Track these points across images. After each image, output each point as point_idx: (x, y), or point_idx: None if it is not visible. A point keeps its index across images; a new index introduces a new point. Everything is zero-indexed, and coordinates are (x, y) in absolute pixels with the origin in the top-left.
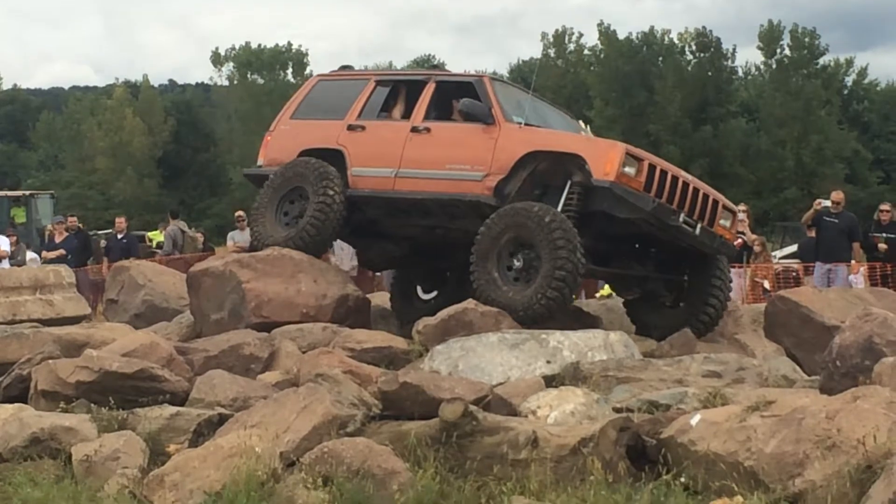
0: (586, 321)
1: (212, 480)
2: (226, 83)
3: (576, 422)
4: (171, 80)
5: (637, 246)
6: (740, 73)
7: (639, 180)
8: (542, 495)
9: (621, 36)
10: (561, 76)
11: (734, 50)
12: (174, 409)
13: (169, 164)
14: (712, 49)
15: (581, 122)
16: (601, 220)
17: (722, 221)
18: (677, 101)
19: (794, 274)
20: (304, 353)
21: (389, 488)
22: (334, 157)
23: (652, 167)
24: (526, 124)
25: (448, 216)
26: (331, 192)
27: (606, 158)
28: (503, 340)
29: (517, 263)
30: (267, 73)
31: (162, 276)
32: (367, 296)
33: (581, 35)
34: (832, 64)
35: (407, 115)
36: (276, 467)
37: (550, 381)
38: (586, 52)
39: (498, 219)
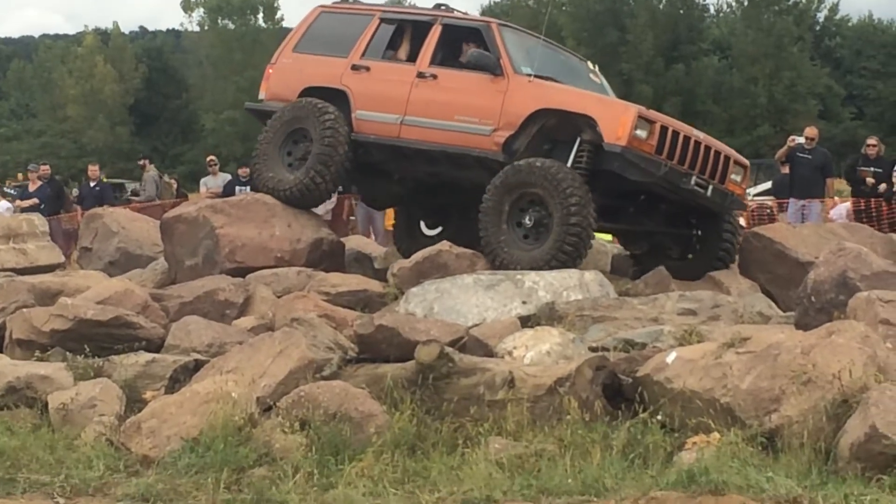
0: None
1: (189, 426)
2: (196, 29)
3: (552, 362)
4: (141, 27)
5: (644, 199)
6: (712, 10)
7: (650, 143)
8: (519, 435)
9: None
10: (532, 17)
11: None
12: (150, 355)
13: (141, 112)
14: None
15: (589, 63)
16: (610, 177)
17: (733, 177)
18: (649, 40)
19: (768, 211)
20: (279, 297)
21: (366, 431)
22: (337, 97)
23: (664, 129)
24: (536, 76)
25: (454, 166)
26: (335, 137)
27: (618, 122)
28: (478, 282)
29: (527, 222)
30: (238, 19)
31: (135, 223)
32: (342, 239)
33: None
34: (803, 0)
35: (412, 56)
36: (253, 412)
37: (526, 322)
38: None
39: (506, 176)
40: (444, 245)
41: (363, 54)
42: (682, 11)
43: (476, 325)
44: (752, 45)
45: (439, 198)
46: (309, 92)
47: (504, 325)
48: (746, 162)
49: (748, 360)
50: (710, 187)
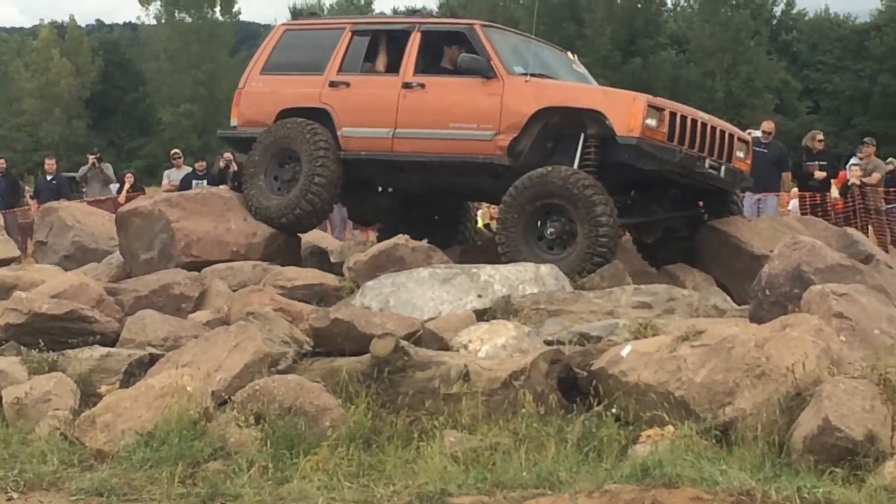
0: None
1: (143, 420)
2: (153, 22)
3: (507, 355)
4: (98, 20)
5: (653, 188)
6: (669, 4)
7: (662, 131)
8: (474, 429)
9: None
10: (491, 10)
11: None
12: (105, 350)
13: (97, 105)
14: None
15: (569, 52)
16: (618, 170)
17: (738, 153)
18: (607, 34)
19: None
20: (234, 291)
21: (322, 425)
22: (318, 117)
23: (673, 115)
24: (531, 75)
25: (455, 174)
26: (326, 156)
27: (629, 114)
28: (434, 275)
29: (550, 233)
30: (195, 12)
31: (91, 217)
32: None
33: None
34: None
35: (392, 67)
36: (208, 406)
37: (482, 315)
38: None
39: (524, 188)
40: (401, 238)
41: (339, 69)
42: (639, 6)
43: (432, 319)
44: (709, 39)
45: (425, 209)
46: (286, 114)
47: (460, 318)
48: (748, 137)
49: (702, 353)
50: (723, 167)
